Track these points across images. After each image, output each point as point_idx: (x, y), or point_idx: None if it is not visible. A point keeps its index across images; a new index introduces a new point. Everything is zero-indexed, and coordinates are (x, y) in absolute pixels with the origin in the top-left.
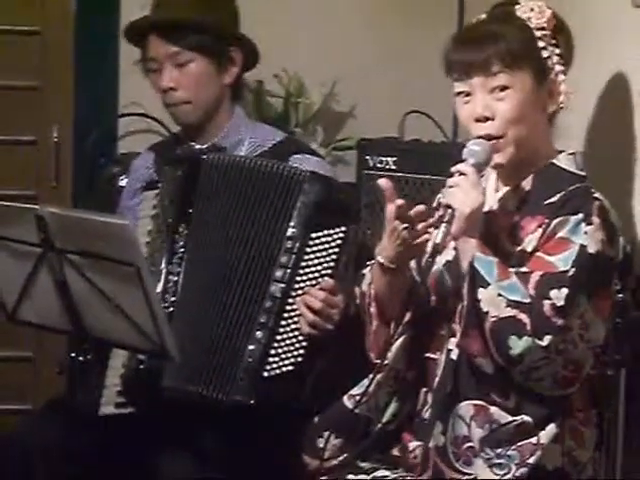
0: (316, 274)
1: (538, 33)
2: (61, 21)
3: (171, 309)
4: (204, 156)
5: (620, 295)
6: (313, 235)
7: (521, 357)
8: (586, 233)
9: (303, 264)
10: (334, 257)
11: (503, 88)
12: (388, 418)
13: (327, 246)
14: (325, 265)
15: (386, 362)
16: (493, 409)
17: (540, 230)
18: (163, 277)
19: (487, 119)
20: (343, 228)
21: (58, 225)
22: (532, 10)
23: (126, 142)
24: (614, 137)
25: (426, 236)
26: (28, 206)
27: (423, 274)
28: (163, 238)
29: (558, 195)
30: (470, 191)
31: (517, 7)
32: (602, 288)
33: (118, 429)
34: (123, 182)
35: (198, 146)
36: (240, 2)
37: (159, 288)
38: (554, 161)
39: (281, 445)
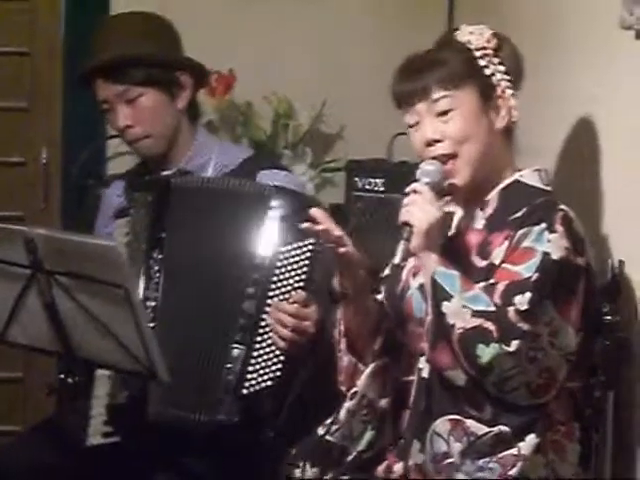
0: (289, 287)
1: (478, 53)
2: (50, 43)
3: None
4: (172, 180)
5: (608, 317)
6: (282, 249)
7: (490, 365)
8: (549, 241)
9: (274, 279)
10: (305, 269)
11: (447, 112)
12: (363, 447)
13: (297, 259)
14: (297, 278)
15: (355, 389)
16: (469, 422)
17: (506, 242)
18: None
19: (437, 141)
20: (312, 240)
21: (47, 247)
22: (471, 33)
23: (115, 163)
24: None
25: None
26: (17, 227)
27: (396, 299)
28: (138, 264)
29: (524, 209)
30: (426, 207)
31: (456, 33)
32: (568, 295)
33: (106, 456)
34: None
35: (165, 172)
36: (230, 24)
37: None
38: (518, 177)
39: (263, 473)
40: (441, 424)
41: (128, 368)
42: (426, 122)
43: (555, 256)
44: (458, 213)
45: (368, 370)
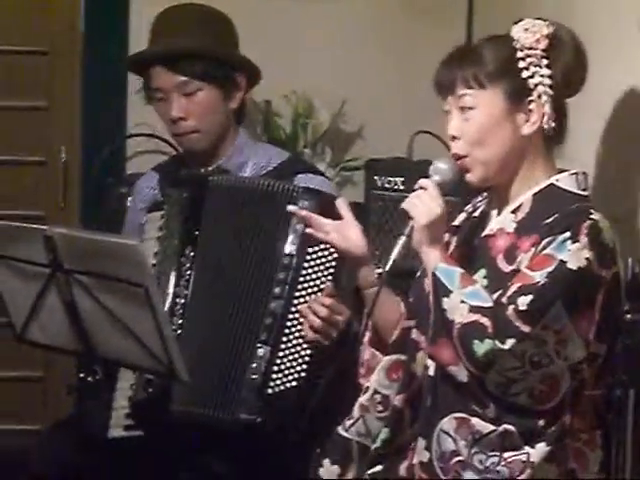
0: (315, 288)
1: (521, 53)
2: (69, 41)
3: (179, 331)
4: (210, 178)
5: (629, 315)
6: (310, 250)
7: (486, 360)
8: (569, 250)
9: (301, 279)
10: (332, 270)
11: (470, 108)
12: (378, 444)
13: (324, 260)
14: (324, 279)
15: (367, 384)
16: (474, 420)
17: (532, 249)
18: (170, 299)
19: (455, 138)
20: None
21: (67, 246)
22: (525, 30)
23: (134, 162)
24: (622, 156)
25: None
26: (37, 227)
27: (423, 299)
28: (170, 260)
29: (555, 215)
30: (428, 203)
31: (514, 27)
32: (584, 305)
33: (127, 452)
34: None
35: (202, 169)
36: (249, 22)
37: (166, 310)
38: (554, 182)
39: (289, 473)
40: (448, 422)
41: (148, 367)
42: (453, 115)
43: (572, 265)
44: (493, 215)
45: (381, 365)
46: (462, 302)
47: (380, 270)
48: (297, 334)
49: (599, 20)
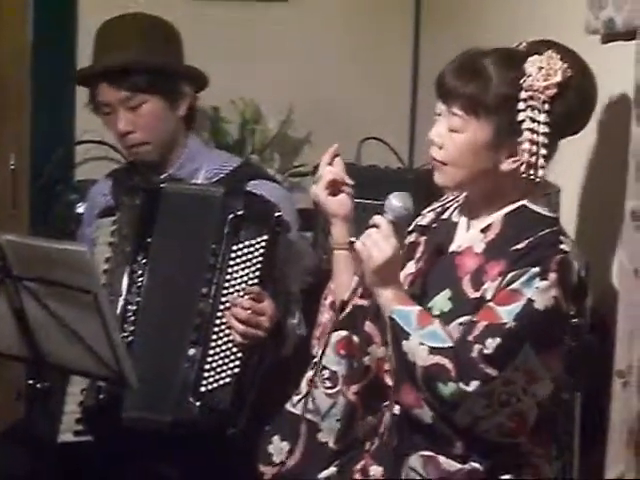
0: (243, 285)
1: (525, 94)
2: (17, 50)
3: (130, 338)
4: (162, 185)
5: (575, 320)
6: (234, 247)
7: (453, 401)
8: (537, 288)
9: (227, 277)
10: (259, 266)
11: (457, 130)
12: (334, 439)
13: (250, 256)
14: (251, 275)
15: (316, 359)
16: (442, 459)
17: (499, 279)
18: (121, 305)
19: (435, 143)
20: (265, 237)
21: (15, 252)
22: (540, 69)
23: (83, 169)
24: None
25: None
26: None
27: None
28: (122, 267)
29: (525, 241)
30: (379, 244)
31: (531, 58)
32: (552, 343)
33: (78, 457)
34: (80, 209)
35: (155, 177)
36: (196, 27)
37: (118, 316)
38: (526, 203)
39: (240, 460)
40: (415, 459)
41: (97, 374)
42: (440, 122)
43: (540, 305)
44: (462, 225)
45: (332, 340)
46: (421, 344)
47: (353, 238)
48: (227, 331)
49: (544, 27)
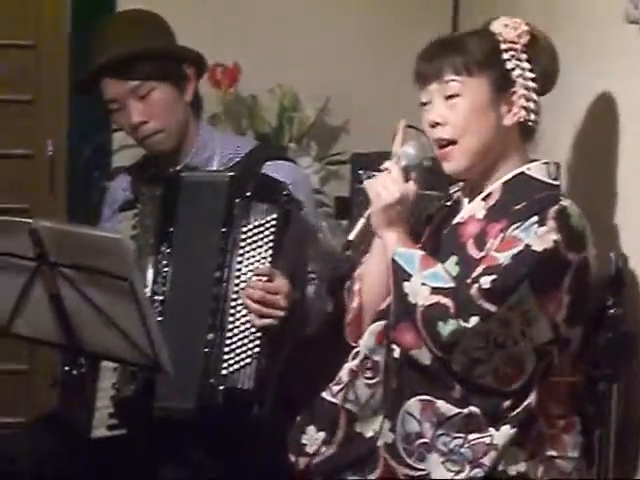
0: (256, 264)
1: (505, 45)
2: (56, 35)
3: None
4: (182, 174)
5: (612, 310)
6: (244, 229)
7: (452, 340)
8: (536, 233)
9: (239, 259)
10: (270, 245)
11: (455, 96)
12: (374, 433)
13: (261, 236)
14: (263, 254)
15: (357, 349)
16: (439, 403)
17: (501, 234)
18: (148, 297)
19: (438, 124)
20: (274, 215)
21: (52, 239)
22: (505, 25)
23: (120, 156)
24: (600, 155)
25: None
26: (22, 220)
27: None
28: (146, 258)
29: (524, 202)
30: (388, 186)
31: (492, 22)
32: (550, 287)
33: (111, 449)
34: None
35: (171, 168)
36: (235, 18)
37: None
38: (524, 170)
39: (270, 448)
40: (413, 404)
41: (132, 360)
42: (435, 103)
43: (538, 247)
44: (465, 203)
45: (370, 328)
46: (423, 284)
47: None
48: (244, 312)
49: (582, 18)
